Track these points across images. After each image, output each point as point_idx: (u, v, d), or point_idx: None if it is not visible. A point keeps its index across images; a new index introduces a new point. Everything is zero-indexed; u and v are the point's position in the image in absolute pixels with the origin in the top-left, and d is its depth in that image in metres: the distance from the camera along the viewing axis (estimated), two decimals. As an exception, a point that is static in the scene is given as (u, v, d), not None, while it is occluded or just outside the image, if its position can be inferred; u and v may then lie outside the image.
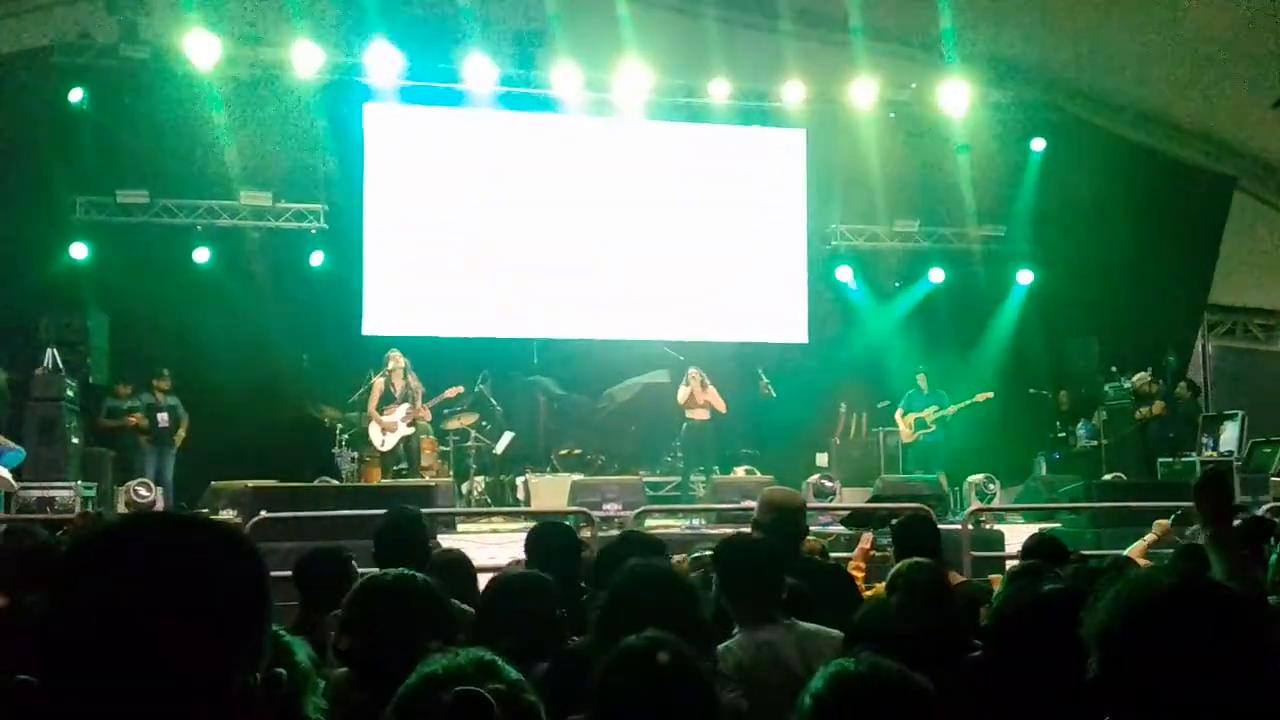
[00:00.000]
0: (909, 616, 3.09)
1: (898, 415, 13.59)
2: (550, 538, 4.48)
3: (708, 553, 4.97)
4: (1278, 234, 15.72)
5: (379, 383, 12.15)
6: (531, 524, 9.74)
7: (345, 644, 2.71)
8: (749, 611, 3.43)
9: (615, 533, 6.61)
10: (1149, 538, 6.39)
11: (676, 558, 4.92)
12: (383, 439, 12.14)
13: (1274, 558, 3.58)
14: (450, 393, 12.45)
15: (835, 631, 3.31)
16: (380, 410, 12.14)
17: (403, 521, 4.37)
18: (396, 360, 12.19)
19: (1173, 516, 6.76)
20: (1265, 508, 9.40)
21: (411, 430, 12.22)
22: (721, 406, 12.83)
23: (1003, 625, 2.69)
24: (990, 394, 13.28)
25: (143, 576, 1.15)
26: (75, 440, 11.57)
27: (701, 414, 12.80)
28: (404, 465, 12.24)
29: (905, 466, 13.45)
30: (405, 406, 12.15)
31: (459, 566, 4.25)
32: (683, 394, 12.89)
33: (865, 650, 1.95)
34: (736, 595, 3.48)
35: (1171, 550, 5.69)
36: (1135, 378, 13.93)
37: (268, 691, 1.19)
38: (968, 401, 13.24)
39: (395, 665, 1.78)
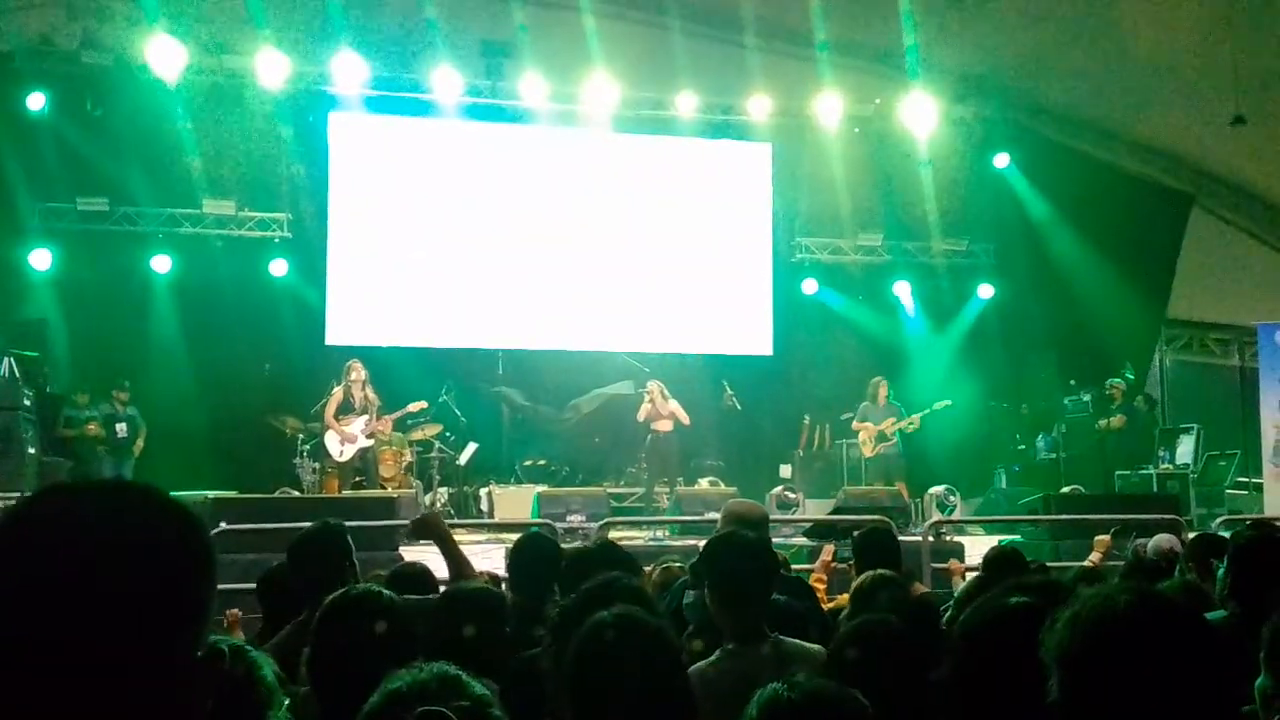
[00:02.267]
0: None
1: (854, 426, 13.67)
2: (532, 549, 4.45)
3: (676, 563, 5.00)
4: (1235, 250, 15.95)
5: (338, 393, 12.02)
6: (495, 535, 9.76)
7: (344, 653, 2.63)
8: (733, 622, 3.24)
9: (578, 544, 6.59)
10: (1094, 556, 6.47)
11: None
12: (340, 449, 11.99)
13: (1220, 572, 3.63)
14: (413, 407, 12.33)
15: (816, 647, 3.20)
16: (338, 420, 12.03)
17: (322, 536, 4.19)
18: (358, 371, 12.06)
19: (1112, 530, 6.87)
20: (1220, 520, 9.57)
21: (370, 442, 12.11)
22: (685, 418, 12.85)
23: (968, 639, 2.70)
24: (949, 401, 13.35)
25: (78, 543, 1.06)
26: (31, 450, 11.39)
27: (665, 425, 12.81)
28: (361, 477, 12.14)
29: (866, 478, 13.51)
30: (364, 418, 12.01)
31: (421, 580, 4.22)
32: (643, 411, 12.89)
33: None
34: (723, 603, 3.27)
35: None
36: (1110, 382, 14.01)
37: (209, 668, 1.11)
38: (926, 410, 13.32)
39: (357, 684, 1.76)
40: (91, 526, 1.09)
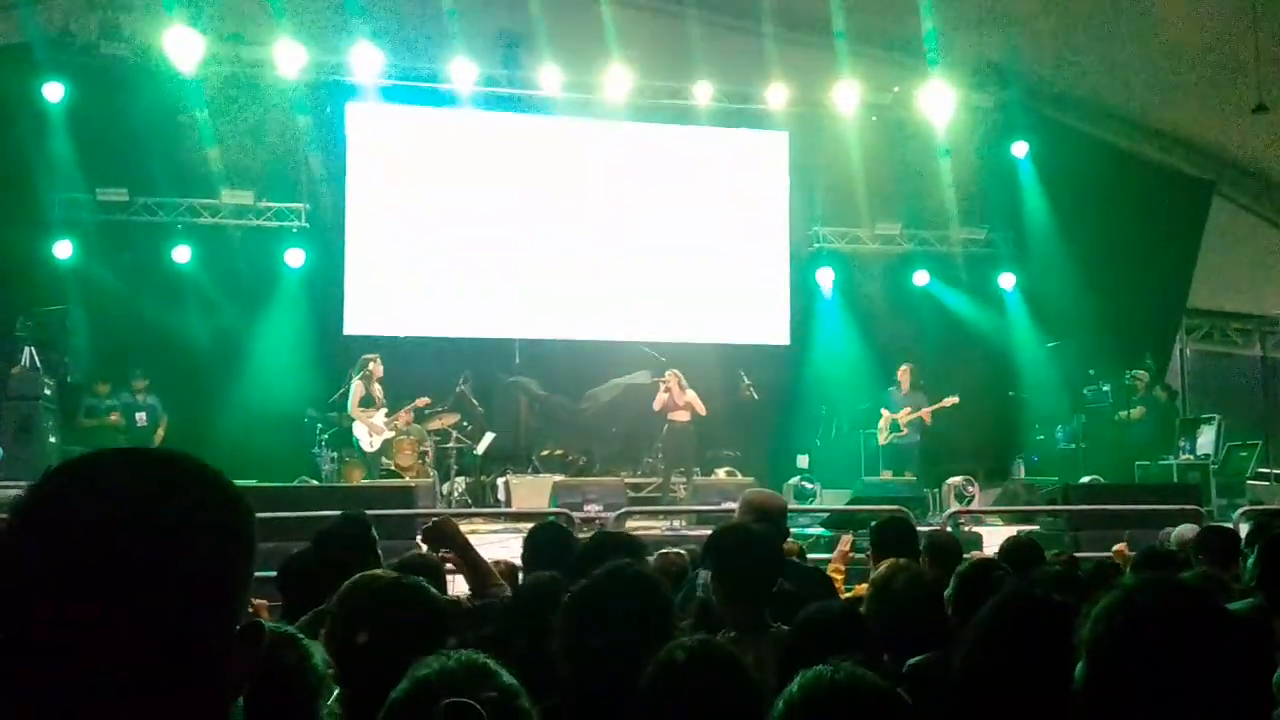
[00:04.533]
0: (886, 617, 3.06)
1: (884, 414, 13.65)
2: (545, 538, 4.44)
3: (673, 549, 4.99)
4: (1256, 238, 15.82)
5: (359, 386, 12.14)
6: (512, 525, 9.78)
7: (363, 639, 2.62)
8: (735, 612, 3.30)
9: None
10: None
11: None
12: (370, 440, 12.19)
13: (1249, 561, 3.61)
14: (420, 402, 12.49)
15: None
16: (362, 411, 12.17)
17: (348, 527, 4.18)
18: (378, 366, 12.21)
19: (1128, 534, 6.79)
20: (1241, 511, 9.49)
21: (392, 433, 12.24)
22: (702, 408, 12.84)
23: (989, 628, 2.69)
24: (955, 399, 13.27)
25: (118, 512, 1.01)
26: (52, 439, 11.49)
27: (683, 416, 12.80)
28: (387, 467, 12.23)
29: (882, 468, 13.46)
30: (383, 411, 12.21)
31: (430, 573, 4.19)
32: (659, 400, 12.87)
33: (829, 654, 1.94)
34: (727, 593, 3.34)
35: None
36: (1130, 373, 13.89)
37: (249, 641, 1.07)
38: (934, 406, 13.27)
39: (381, 671, 1.75)
40: (136, 490, 1.04)
